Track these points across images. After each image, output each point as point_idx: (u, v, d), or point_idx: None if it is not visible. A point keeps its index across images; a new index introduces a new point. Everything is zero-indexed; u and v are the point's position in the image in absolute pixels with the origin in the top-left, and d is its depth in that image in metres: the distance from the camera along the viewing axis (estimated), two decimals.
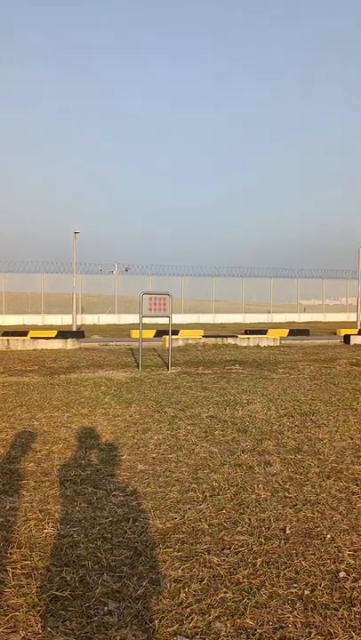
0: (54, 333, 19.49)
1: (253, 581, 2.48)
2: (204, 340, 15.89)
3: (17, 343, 14.69)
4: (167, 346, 11.47)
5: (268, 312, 39.53)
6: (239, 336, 16.80)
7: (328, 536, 2.96)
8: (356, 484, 3.79)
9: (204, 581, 2.48)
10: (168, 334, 11.12)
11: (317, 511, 3.31)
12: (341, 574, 2.56)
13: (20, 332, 19.92)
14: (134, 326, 24.23)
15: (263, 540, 2.90)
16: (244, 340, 16.04)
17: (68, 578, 2.50)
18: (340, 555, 2.75)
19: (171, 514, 3.25)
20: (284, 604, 2.30)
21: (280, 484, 3.79)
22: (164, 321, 11.37)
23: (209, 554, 2.75)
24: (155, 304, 10.61)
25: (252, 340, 16.08)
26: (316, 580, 2.51)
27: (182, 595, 2.37)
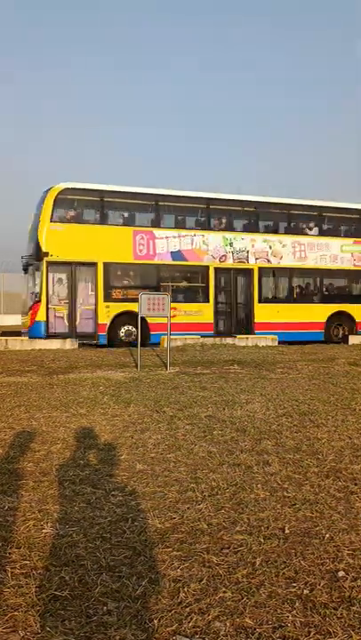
0: None
1: (253, 581, 2.48)
2: (202, 339, 15.88)
3: (15, 343, 14.67)
4: (166, 346, 11.46)
5: None
6: (238, 336, 16.80)
7: (327, 535, 2.96)
8: (355, 484, 3.79)
9: (204, 581, 2.48)
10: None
11: (316, 511, 3.31)
12: (341, 574, 2.56)
13: (19, 332, 19.88)
14: None
15: (262, 540, 2.90)
16: (242, 340, 16.04)
17: (67, 578, 2.49)
18: (340, 554, 2.75)
19: (170, 513, 3.25)
20: (284, 604, 2.30)
21: (279, 484, 3.79)
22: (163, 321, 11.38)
23: (208, 553, 2.75)
24: (153, 304, 10.61)
25: (251, 340, 16.08)
26: (315, 579, 2.51)
27: (181, 594, 2.36)
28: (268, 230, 18.20)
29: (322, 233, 18.48)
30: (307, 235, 18.32)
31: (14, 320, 32.59)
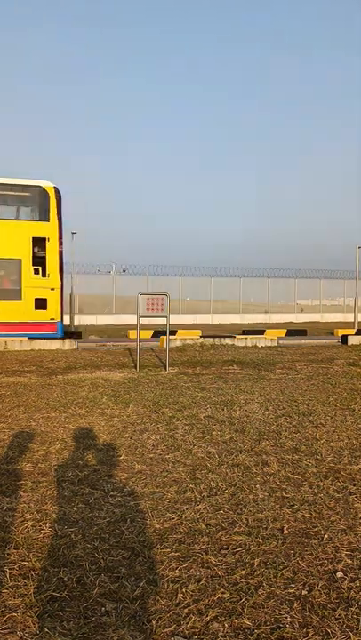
0: None
1: (251, 581, 2.48)
2: (201, 340, 15.89)
3: (14, 344, 14.65)
4: (165, 346, 11.46)
5: (266, 312, 39.56)
6: (237, 336, 16.81)
7: (326, 536, 2.97)
8: (354, 484, 3.79)
9: (202, 582, 2.48)
10: (166, 334, 11.12)
11: (315, 511, 3.31)
12: (339, 574, 2.56)
13: None
14: (132, 327, 24.21)
15: (261, 541, 2.90)
16: (241, 341, 16.05)
17: (65, 578, 2.49)
18: (338, 555, 2.75)
19: (168, 514, 3.25)
20: (282, 605, 2.30)
21: (278, 485, 3.79)
22: (162, 321, 11.37)
23: (206, 554, 2.75)
24: (152, 304, 10.61)
25: (250, 341, 16.09)
26: (313, 580, 2.51)
27: (180, 595, 2.37)
28: None
29: None
30: None
31: None
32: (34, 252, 15.19)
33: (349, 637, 2.09)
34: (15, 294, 15.08)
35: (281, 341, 17.31)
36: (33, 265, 15.15)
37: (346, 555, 2.75)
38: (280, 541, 2.90)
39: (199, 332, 20.07)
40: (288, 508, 3.35)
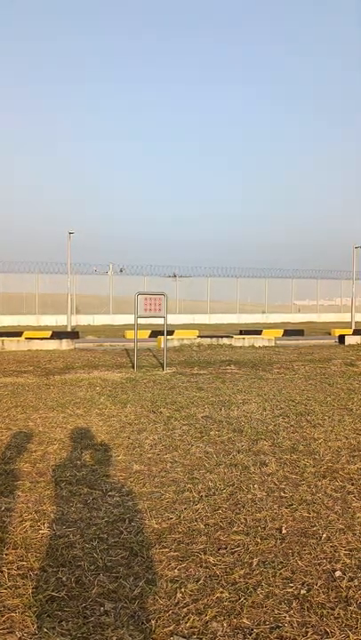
0: (49, 334, 19.43)
1: (250, 581, 2.49)
2: (199, 340, 15.91)
3: (12, 344, 14.63)
4: (162, 346, 11.46)
5: (263, 312, 39.61)
6: (234, 336, 16.82)
7: (324, 535, 2.97)
8: (352, 484, 3.80)
9: (201, 581, 2.48)
10: (163, 334, 11.12)
11: (313, 511, 3.32)
12: (337, 573, 2.56)
13: (15, 332, 19.85)
14: (129, 327, 24.21)
15: (259, 540, 2.90)
16: (239, 341, 16.07)
17: (64, 578, 2.49)
18: (337, 554, 2.76)
19: (167, 514, 3.25)
20: (281, 604, 2.31)
21: (276, 484, 3.80)
22: (159, 321, 11.36)
23: (205, 554, 2.75)
24: (150, 304, 10.61)
25: (247, 341, 16.11)
26: (312, 579, 2.51)
27: (179, 595, 2.36)
28: None
29: None
30: None
31: (11, 320, 32.63)
32: None
33: (348, 636, 2.09)
34: None
35: (278, 341, 17.34)
36: None
37: (344, 554, 2.76)
38: (279, 541, 2.90)
39: (197, 332, 20.08)
40: (286, 508, 3.35)
